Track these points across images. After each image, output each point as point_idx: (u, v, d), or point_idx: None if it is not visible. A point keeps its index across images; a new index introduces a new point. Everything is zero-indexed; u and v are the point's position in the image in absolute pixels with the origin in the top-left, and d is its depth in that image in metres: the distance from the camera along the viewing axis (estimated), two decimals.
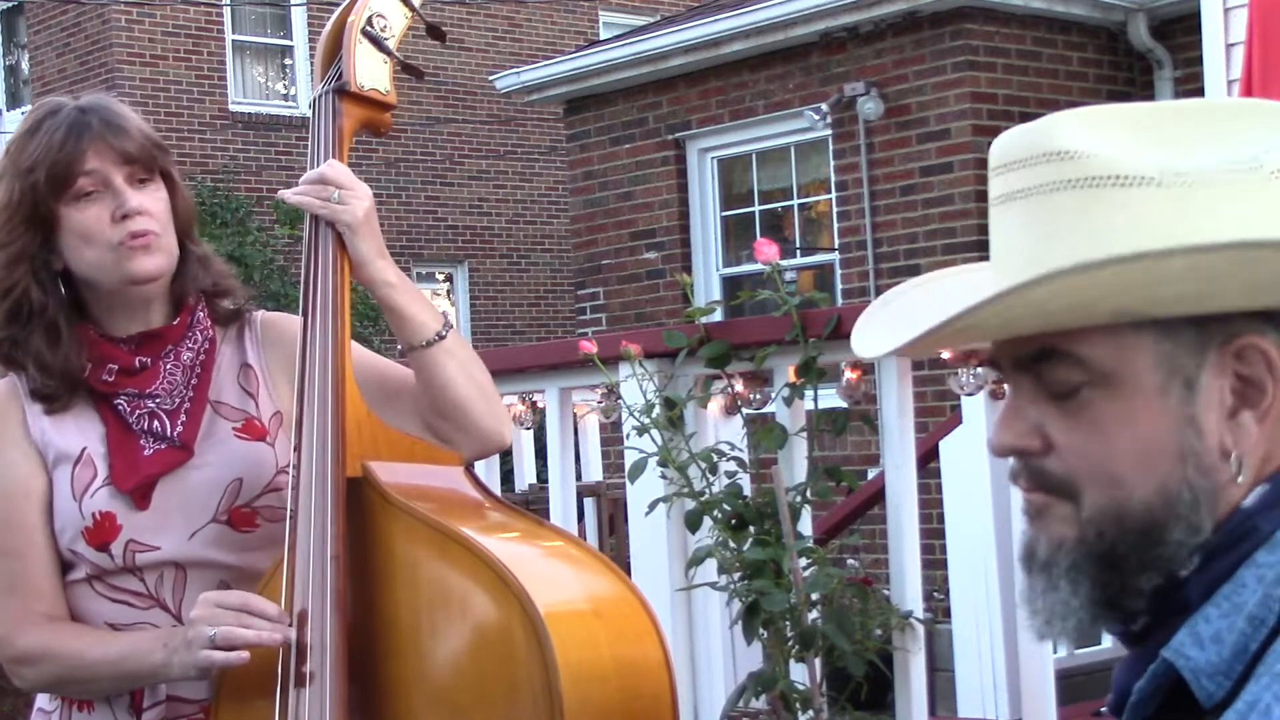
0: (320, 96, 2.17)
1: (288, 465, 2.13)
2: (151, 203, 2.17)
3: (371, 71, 2.17)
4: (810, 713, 3.70)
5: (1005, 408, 1.21)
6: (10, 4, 17.69)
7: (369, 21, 2.18)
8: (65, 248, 2.17)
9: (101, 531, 2.14)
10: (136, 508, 2.15)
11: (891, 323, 1.27)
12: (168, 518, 2.16)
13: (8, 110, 17.97)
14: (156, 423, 2.19)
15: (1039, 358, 1.17)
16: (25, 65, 17.56)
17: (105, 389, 2.19)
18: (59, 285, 2.20)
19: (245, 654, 1.99)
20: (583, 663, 1.88)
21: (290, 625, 1.99)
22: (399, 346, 2.22)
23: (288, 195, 2.13)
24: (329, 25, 2.21)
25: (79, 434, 2.18)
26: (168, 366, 2.21)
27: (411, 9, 2.24)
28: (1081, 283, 1.09)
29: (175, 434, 2.18)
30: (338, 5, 2.25)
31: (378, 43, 2.18)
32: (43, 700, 2.27)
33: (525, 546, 2.06)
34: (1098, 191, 1.12)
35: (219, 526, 2.17)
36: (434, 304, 2.22)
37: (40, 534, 2.17)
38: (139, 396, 2.20)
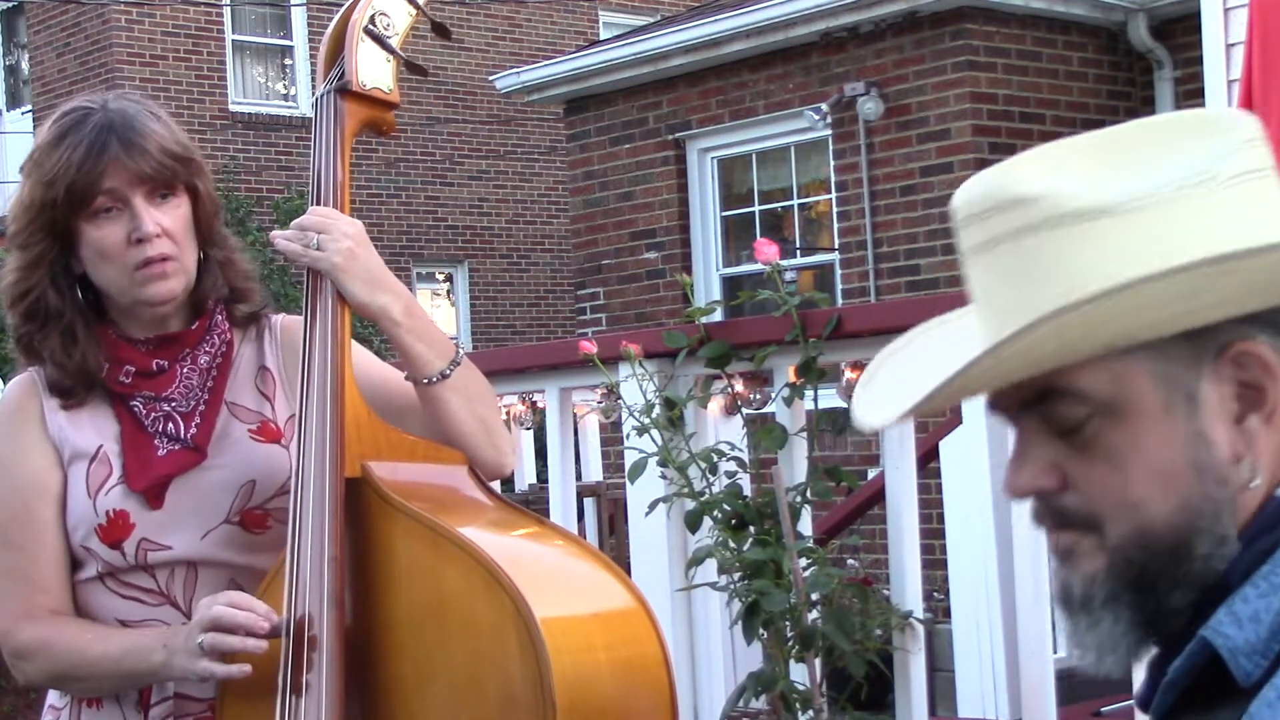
0: (322, 96, 2.16)
1: None
2: (170, 221, 2.16)
3: (374, 70, 2.16)
4: (810, 713, 3.69)
5: (1015, 450, 1.21)
6: (10, 4, 17.69)
7: (372, 20, 2.17)
8: (84, 259, 2.18)
9: (115, 529, 2.15)
10: (149, 507, 2.16)
11: (888, 387, 1.28)
12: (180, 518, 2.17)
13: (8, 110, 17.97)
14: (171, 424, 2.20)
15: (1040, 398, 1.18)
16: (25, 65, 17.56)
17: (122, 390, 2.21)
18: (77, 290, 2.21)
19: (247, 667, 2.00)
20: (578, 664, 1.88)
21: (277, 622, 2.00)
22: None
23: (277, 240, 2.12)
24: (332, 25, 2.21)
25: (95, 432, 2.20)
26: (184, 370, 2.22)
27: (416, 7, 2.23)
28: (1068, 323, 1.10)
29: (189, 435, 2.19)
30: (339, 5, 2.25)
31: (381, 41, 2.17)
32: (53, 697, 2.28)
33: (524, 546, 2.06)
34: (1064, 230, 1.14)
35: (231, 527, 2.18)
36: (444, 335, 2.20)
37: (51, 530, 2.18)
38: (155, 399, 2.21)
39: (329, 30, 2.21)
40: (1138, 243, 1.12)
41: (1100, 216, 1.13)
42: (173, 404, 2.21)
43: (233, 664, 2.01)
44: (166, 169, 2.15)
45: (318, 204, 2.14)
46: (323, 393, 2.05)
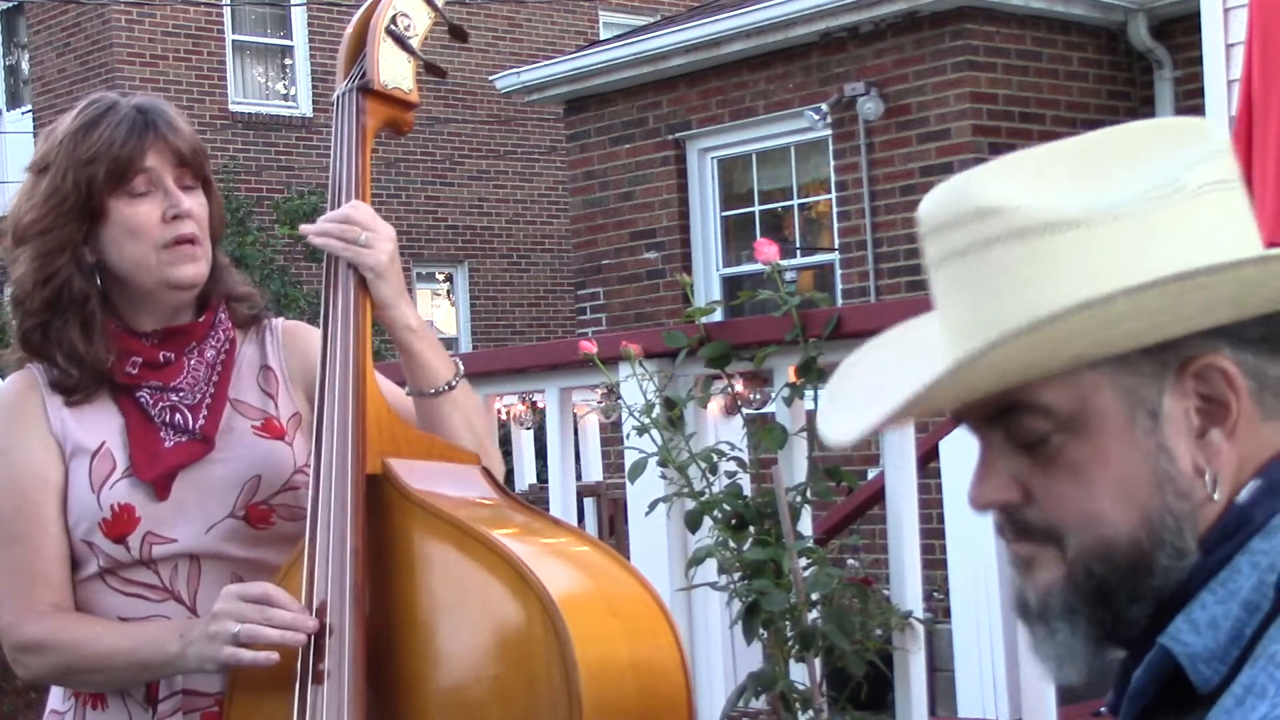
0: (343, 95, 2.18)
1: (305, 465, 2.16)
2: (197, 208, 2.20)
3: (394, 70, 2.19)
4: (810, 713, 3.69)
5: (979, 463, 1.21)
6: (10, 4, 17.69)
7: (393, 20, 2.19)
8: (107, 241, 2.19)
9: (120, 524, 2.15)
10: (157, 498, 2.16)
11: (851, 401, 1.28)
12: (186, 510, 2.17)
13: (8, 110, 17.97)
14: (179, 416, 2.20)
15: (1003, 412, 1.17)
16: (25, 65, 17.56)
17: (128, 381, 2.21)
18: (95, 277, 2.22)
19: (275, 655, 2.00)
20: (601, 660, 1.88)
21: (312, 618, 2.00)
22: (407, 388, 2.23)
23: (309, 231, 2.13)
24: (352, 23, 2.24)
25: (98, 428, 2.20)
26: (191, 362, 2.24)
27: (434, 9, 2.26)
28: (1033, 340, 1.10)
29: (197, 426, 2.20)
30: (339, 5, 2.26)
31: (401, 41, 2.20)
32: (55, 701, 2.27)
33: (543, 544, 2.06)
34: (1030, 243, 1.13)
35: (235, 522, 2.19)
36: (444, 350, 2.25)
37: (54, 524, 2.18)
38: (162, 390, 2.21)
39: (349, 29, 2.24)
40: (1105, 257, 1.12)
41: (1068, 229, 1.12)
42: (180, 395, 2.21)
43: (260, 652, 2.00)
44: (198, 155, 2.21)
45: (338, 202, 2.15)
46: (345, 388, 2.06)
